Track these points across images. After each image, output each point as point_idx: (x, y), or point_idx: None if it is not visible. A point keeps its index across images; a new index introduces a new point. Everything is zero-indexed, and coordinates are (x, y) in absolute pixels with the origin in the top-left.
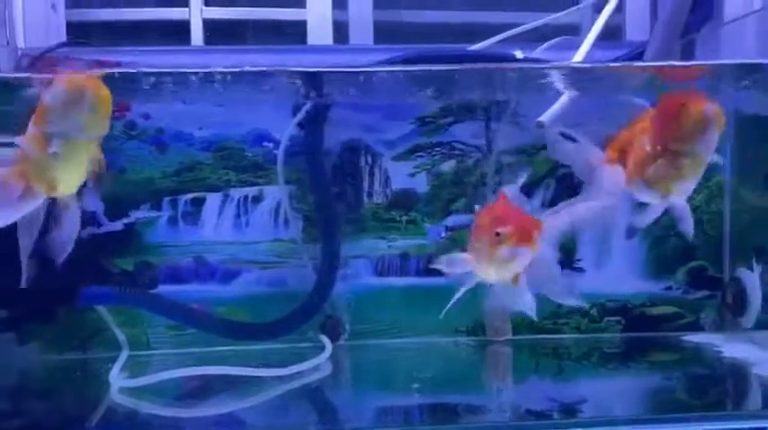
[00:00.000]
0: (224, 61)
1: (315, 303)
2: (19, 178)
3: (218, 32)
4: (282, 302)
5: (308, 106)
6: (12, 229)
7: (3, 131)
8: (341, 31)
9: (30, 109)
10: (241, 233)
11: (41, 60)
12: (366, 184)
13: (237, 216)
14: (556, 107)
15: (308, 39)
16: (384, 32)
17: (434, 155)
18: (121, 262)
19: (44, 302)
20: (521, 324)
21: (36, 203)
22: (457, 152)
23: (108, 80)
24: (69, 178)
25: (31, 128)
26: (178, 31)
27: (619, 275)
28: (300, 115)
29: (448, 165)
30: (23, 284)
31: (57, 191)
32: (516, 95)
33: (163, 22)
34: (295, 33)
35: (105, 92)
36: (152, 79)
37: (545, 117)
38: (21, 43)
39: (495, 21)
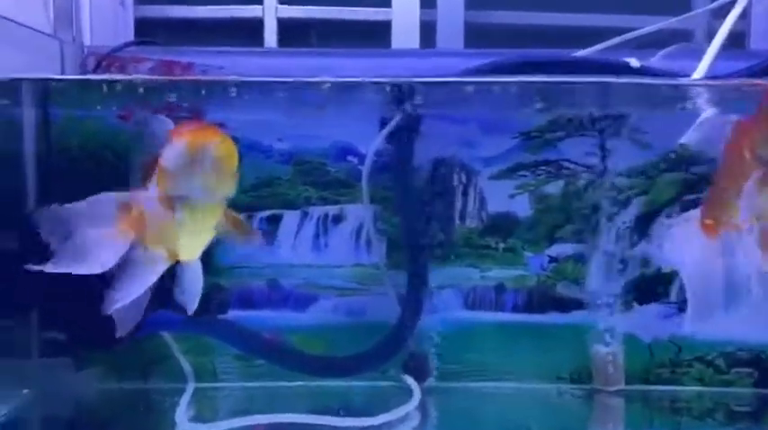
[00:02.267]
0: (300, 65)
1: (398, 338)
2: (126, 236)
3: (293, 33)
4: (362, 334)
5: (397, 118)
6: None
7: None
8: (428, 33)
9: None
10: (319, 256)
11: (108, 60)
12: (459, 206)
13: (316, 236)
14: (700, 126)
15: (392, 41)
16: (475, 35)
17: (539, 174)
18: None
19: (104, 326)
20: (634, 372)
21: (159, 271)
22: (565, 172)
23: (180, 84)
24: (193, 244)
25: (152, 188)
26: (250, 31)
27: (753, 320)
28: (389, 128)
29: (554, 187)
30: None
31: (178, 257)
32: (636, 109)
33: (235, 21)
34: (378, 35)
35: (230, 146)
36: (230, 87)
37: (688, 138)
38: (87, 41)
39: (596, 24)
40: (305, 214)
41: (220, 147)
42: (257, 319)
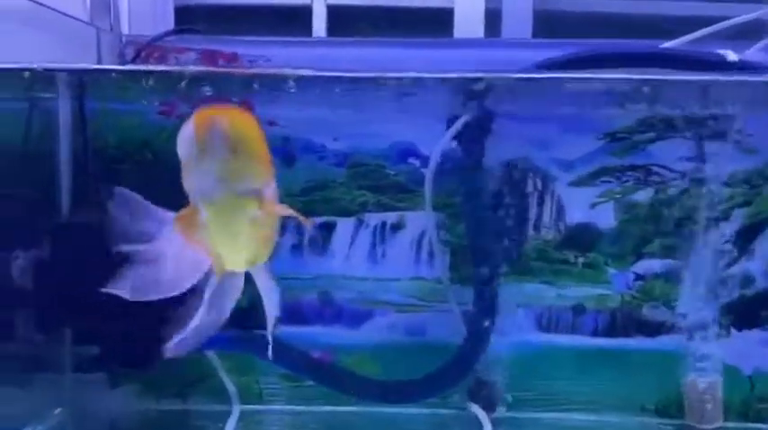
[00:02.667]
0: (351, 56)
1: (464, 361)
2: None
3: (343, 21)
4: (422, 356)
5: (465, 116)
6: None
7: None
8: (493, 20)
9: None
10: (376, 267)
11: (148, 50)
12: (533, 215)
13: (373, 246)
14: None
15: (454, 30)
16: (543, 23)
17: (626, 180)
18: None
19: (141, 341)
20: (732, 407)
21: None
22: (656, 178)
23: (225, 77)
24: (231, 251)
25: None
26: (297, 19)
27: None
28: (456, 127)
29: (643, 195)
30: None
31: (224, 268)
32: (739, 108)
33: (281, 8)
34: (439, 23)
35: (248, 123)
36: (288, 82)
37: None
38: (125, 29)
39: (680, 13)
40: (360, 221)
41: (234, 124)
42: (306, 336)
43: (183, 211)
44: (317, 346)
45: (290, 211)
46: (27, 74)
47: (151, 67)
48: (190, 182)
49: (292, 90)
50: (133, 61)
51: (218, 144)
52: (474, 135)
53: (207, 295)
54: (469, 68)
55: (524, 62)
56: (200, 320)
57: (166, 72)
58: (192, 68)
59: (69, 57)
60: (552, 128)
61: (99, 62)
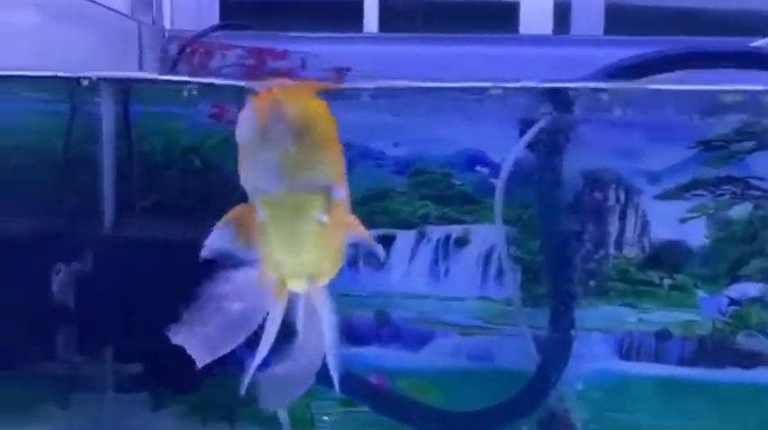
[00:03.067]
0: (406, 52)
1: (535, 391)
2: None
3: (397, 15)
4: (489, 384)
5: (542, 121)
6: None
7: None
8: (563, 15)
9: None
10: (438, 285)
11: (193, 46)
12: (614, 231)
13: (435, 262)
14: None
15: (520, 26)
16: (616, 18)
17: (720, 194)
18: None
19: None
20: None
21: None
22: (755, 192)
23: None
24: (292, 261)
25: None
26: (349, 13)
27: None
28: (531, 133)
29: (740, 211)
30: None
31: (285, 284)
32: None
33: (331, 2)
34: (503, 18)
35: (320, 109)
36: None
37: None
38: (168, 23)
39: (760, 8)
40: (422, 235)
41: (303, 106)
42: (361, 358)
43: (237, 209)
44: (372, 370)
45: (361, 229)
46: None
47: (200, 80)
48: (247, 174)
49: (365, 100)
50: (177, 58)
51: (282, 129)
52: (551, 142)
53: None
54: (537, 68)
55: (596, 61)
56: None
57: (217, 86)
58: (246, 83)
59: (110, 52)
60: (638, 135)
61: (140, 59)
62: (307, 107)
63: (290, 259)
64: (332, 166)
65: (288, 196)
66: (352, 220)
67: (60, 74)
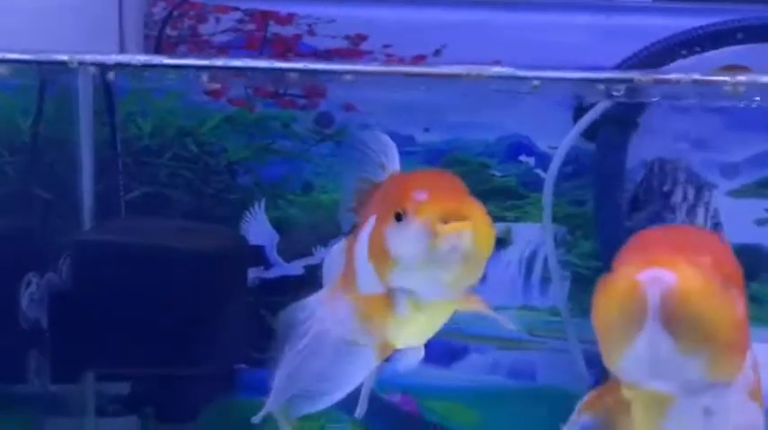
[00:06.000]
0: (435, 18)
1: None
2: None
3: None
4: (531, 405)
5: (602, 106)
6: None
7: None
8: None
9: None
10: (473, 292)
11: (182, 7)
12: None
13: None
14: None
15: None
16: None
17: None
18: None
19: (183, 384)
20: None
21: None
22: None
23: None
24: (413, 337)
25: (365, 267)
26: None
27: None
28: (588, 118)
29: None
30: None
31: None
32: None
33: None
34: None
35: (490, 228)
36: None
37: None
38: None
39: None
40: None
41: (481, 231)
42: (384, 376)
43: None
44: (396, 389)
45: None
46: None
47: (192, 61)
48: (399, 279)
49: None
50: (164, 23)
51: (458, 254)
52: (612, 129)
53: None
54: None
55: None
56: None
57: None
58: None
59: (83, 14)
60: (714, 121)
61: (121, 21)
62: (483, 228)
63: (414, 336)
64: (480, 271)
65: (442, 301)
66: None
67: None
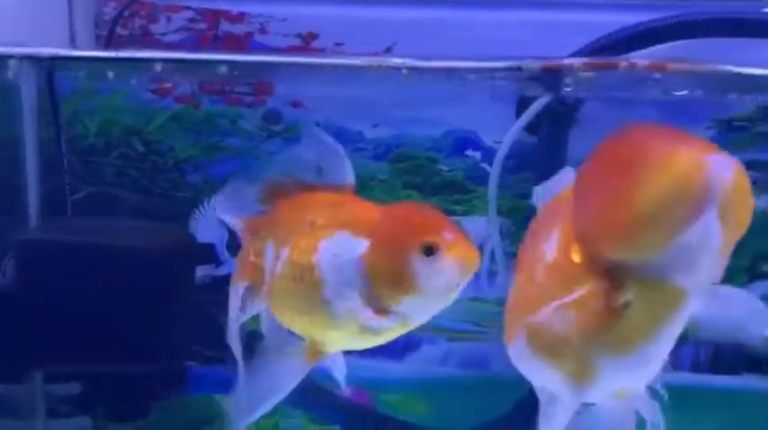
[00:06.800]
0: (386, 16)
1: (536, 402)
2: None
3: None
4: (482, 395)
5: (543, 100)
6: None
7: None
8: None
9: None
10: None
11: (133, 6)
12: None
13: None
14: None
15: None
16: None
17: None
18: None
19: (134, 382)
20: None
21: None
22: None
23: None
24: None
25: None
26: None
27: None
28: (531, 113)
29: (765, 200)
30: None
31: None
32: None
33: None
34: None
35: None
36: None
37: None
38: None
39: None
40: None
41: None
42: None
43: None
44: (349, 382)
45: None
46: None
47: (142, 54)
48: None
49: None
50: (114, 21)
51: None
52: (555, 124)
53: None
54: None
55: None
56: None
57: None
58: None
59: (31, 12)
60: (653, 114)
61: (71, 19)
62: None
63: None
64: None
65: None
66: None
67: None
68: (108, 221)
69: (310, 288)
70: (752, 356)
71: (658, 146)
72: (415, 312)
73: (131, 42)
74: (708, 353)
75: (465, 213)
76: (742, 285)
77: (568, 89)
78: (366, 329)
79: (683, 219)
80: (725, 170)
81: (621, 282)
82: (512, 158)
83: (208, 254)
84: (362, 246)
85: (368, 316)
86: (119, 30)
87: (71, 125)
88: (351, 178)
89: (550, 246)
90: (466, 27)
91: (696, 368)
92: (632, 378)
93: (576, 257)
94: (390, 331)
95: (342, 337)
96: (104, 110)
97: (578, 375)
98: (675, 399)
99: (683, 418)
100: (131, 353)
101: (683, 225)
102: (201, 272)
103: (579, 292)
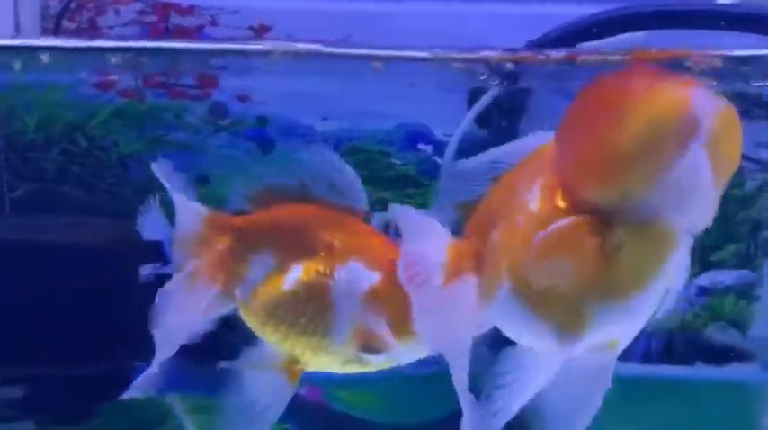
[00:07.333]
0: (337, 8)
1: None
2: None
3: None
4: (437, 390)
5: (493, 92)
6: None
7: None
8: None
9: None
10: None
11: (79, 0)
12: None
13: None
14: None
15: None
16: None
17: None
18: None
19: (79, 384)
20: None
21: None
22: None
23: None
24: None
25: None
26: None
27: None
28: (481, 105)
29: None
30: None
31: None
32: None
33: None
34: None
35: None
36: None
37: None
38: None
39: None
40: None
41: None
42: None
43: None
44: (302, 382)
45: None
46: None
47: (86, 43)
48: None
49: (273, 66)
50: (59, 15)
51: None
52: (505, 116)
53: None
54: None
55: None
56: None
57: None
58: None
59: None
60: None
61: (16, 14)
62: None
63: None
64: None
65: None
66: None
67: None
68: (48, 219)
69: (317, 310)
70: (707, 346)
71: (639, 84)
72: (408, 354)
73: (78, 35)
74: (659, 344)
75: (419, 206)
76: (692, 276)
77: (516, 77)
78: (355, 359)
79: (668, 155)
80: (708, 103)
81: (610, 225)
82: (463, 152)
83: (154, 252)
84: (373, 278)
85: (363, 349)
86: (65, 22)
87: (8, 121)
88: (364, 203)
89: (533, 195)
90: (421, 18)
91: (648, 359)
92: (624, 327)
93: (562, 203)
94: (377, 365)
95: (330, 362)
96: (43, 105)
97: (569, 326)
98: (626, 391)
99: (632, 409)
100: (74, 354)
101: (668, 161)
102: (146, 270)
103: (564, 222)
